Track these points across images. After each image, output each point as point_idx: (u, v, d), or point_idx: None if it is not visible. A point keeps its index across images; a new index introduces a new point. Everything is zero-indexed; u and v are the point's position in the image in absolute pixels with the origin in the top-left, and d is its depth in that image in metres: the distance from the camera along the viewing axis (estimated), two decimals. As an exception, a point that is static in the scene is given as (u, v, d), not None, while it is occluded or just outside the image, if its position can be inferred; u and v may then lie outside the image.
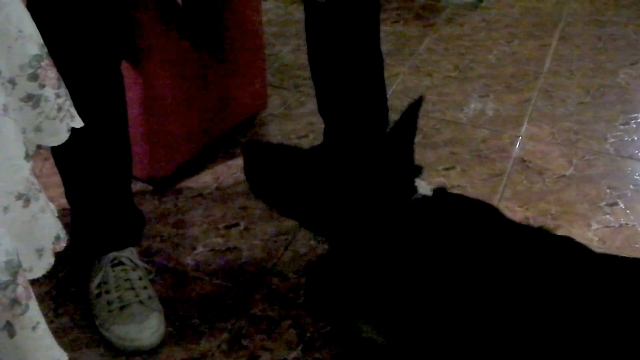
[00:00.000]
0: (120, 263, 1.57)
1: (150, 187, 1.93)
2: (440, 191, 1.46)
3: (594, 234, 1.75)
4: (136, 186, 1.91)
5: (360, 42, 1.70)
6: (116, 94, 1.48)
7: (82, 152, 1.41)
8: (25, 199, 0.88)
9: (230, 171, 1.99)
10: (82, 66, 1.33)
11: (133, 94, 1.74)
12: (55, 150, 1.47)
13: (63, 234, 0.97)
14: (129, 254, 1.60)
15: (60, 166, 1.52)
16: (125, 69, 1.72)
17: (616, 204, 1.85)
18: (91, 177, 1.52)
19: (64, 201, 1.58)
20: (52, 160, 1.55)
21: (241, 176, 1.95)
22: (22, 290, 0.80)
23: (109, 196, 1.56)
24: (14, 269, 0.79)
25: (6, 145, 0.85)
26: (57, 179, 1.55)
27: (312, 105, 2.22)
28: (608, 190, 1.90)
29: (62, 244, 0.96)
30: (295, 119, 2.22)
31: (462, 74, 2.46)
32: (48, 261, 0.94)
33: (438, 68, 2.50)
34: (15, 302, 0.79)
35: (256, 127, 2.18)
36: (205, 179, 1.96)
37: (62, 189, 1.56)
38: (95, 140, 1.43)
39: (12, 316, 0.80)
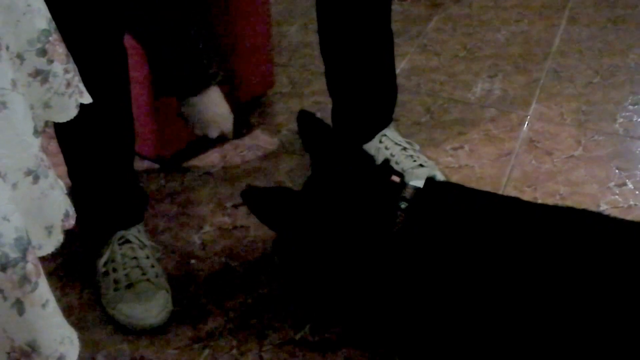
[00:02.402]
0: (127, 241, 1.57)
1: (157, 166, 1.93)
2: (430, 182, 1.44)
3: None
4: (143, 165, 1.90)
5: (371, 20, 1.69)
6: (119, 69, 1.47)
7: (85, 129, 1.40)
8: (35, 176, 0.87)
9: (237, 150, 1.99)
10: (83, 39, 1.32)
11: (140, 72, 1.72)
12: (57, 127, 1.46)
13: (72, 211, 0.96)
14: (136, 232, 1.59)
15: (63, 144, 1.51)
16: (132, 47, 1.71)
17: (625, 184, 1.84)
18: (94, 154, 1.51)
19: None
20: (58, 139, 1.54)
21: (248, 155, 1.95)
22: (32, 267, 0.79)
23: (112, 174, 1.55)
24: (24, 246, 0.78)
25: (15, 122, 0.84)
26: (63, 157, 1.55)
27: (319, 84, 2.21)
28: (617, 171, 1.89)
29: (72, 221, 0.96)
30: (303, 98, 2.21)
31: (470, 53, 2.44)
32: (57, 238, 0.93)
33: (446, 48, 2.48)
34: (24, 279, 0.79)
35: (263, 106, 2.17)
36: (211, 158, 1.95)
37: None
38: (99, 117, 1.42)
39: (22, 294, 0.79)
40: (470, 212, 1.35)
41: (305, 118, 1.55)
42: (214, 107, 1.61)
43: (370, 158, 1.51)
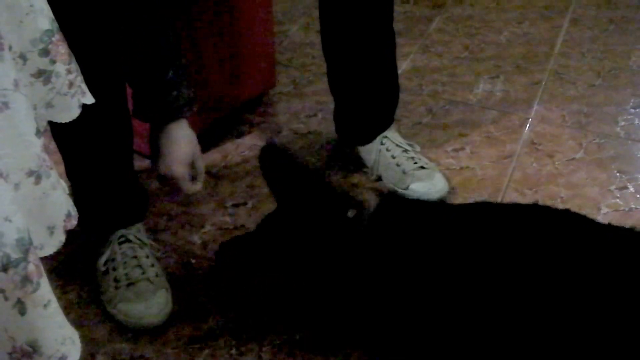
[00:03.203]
0: (128, 240, 1.57)
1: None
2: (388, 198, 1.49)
3: (604, 217, 1.74)
4: (143, 163, 1.90)
5: (373, 20, 1.69)
6: (115, 67, 1.46)
7: (81, 127, 1.39)
8: (37, 176, 0.87)
9: (238, 150, 1.99)
10: (78, 38, 1.31)
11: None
12: (54, 126, 1.46)
13: (74, 211, 0.96)
14: (136, 231, 1.59)
15: (60, 142, 1.50)
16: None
17: (626, 187, 1.84)
18: (92, 153, 1.51)
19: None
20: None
21: (249, 155, 1.95)
22: (33, 268, 0.79)
23: (111, 173, 1.55)
24: (25, 246, 0.78)
25: (17, 122, 0.84)
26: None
27: (320, 84, 2.21)
28: (618, 174, 1.89)
29: (73, 222, 0.96)
30: (304, 98, 2.21)
31: (472, 54, 2.44)
32: (59, 239, 0.93)
33: (448, 48, 2.48)
34: (26, 279, 0.79)
35: (264, 106, 2.17)
36: (213, 157, 1.95)
37: (69, 166, 1.55)
38: (95, 115, 1.41)
39: (24, 294, 0.79)
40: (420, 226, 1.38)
41: (268, 153, 1.53)
42: (171, 145, 1.48)
43: (331, 190, 1.50)
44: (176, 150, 1.47)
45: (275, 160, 1.50)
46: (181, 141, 1.47)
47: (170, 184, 1.50)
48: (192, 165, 1.50)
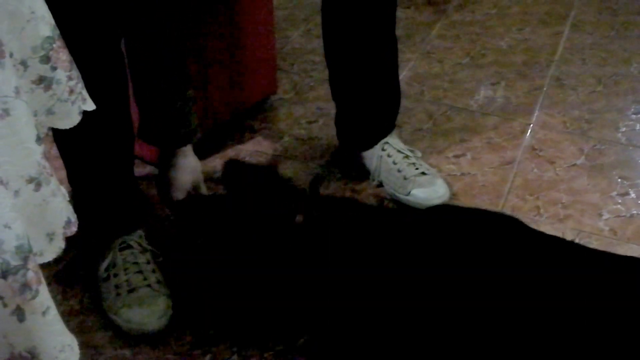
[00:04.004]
0: (129, 246, 1.57)
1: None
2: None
3: (605, 223, 1.74)
4: (144, 170, 1.90)
5: (376, 26, 1.69)
6: (117, 74, 1.47)
7: (83, 134, 1.39)
8: (37, 183, 0.87)
9: (239, 156, 1.99)
10: (81, 44, 1.31)
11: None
12: (56, 132, 1.46)
13: (74, 218, 0.96)
14: (137, 237, 1.59)
15: (62, 149, 1.51)
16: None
17: (627, 193, 1.84)
18: (94, 159, 1.51)
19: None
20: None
21: (250, 161, 1.95)
22: (33, 275, 0.79)
23: (112, 179, 1.55)
24: (25, 253, 0.78)
25: (18, 129, 0.84)
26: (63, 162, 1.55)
27: (322, 90, 2.22)
28: (619, 180, 1.88)
29: (73, 228, 0.96)
30: (305, 104, 2.21)
31: (473, 60, 2.44)
32: (59, 245, 0.93)
33: (449, 54, 2.48)
34: (25, 286, 0.79)
35: (265, 112, 2.17)
36: (213, 163, 1.95)
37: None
38: (98, 122, 1.41)
39: (23, 301, 0.79)
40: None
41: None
42: (174, 172, 1.60)
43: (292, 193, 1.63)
44: (177, 178, 1.59)
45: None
46: (184, 170, 1.59)
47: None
48: (197, 190, 1.63)
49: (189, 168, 1.60)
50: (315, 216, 1.45)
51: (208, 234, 1.59)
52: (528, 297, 1.25)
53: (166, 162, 1.60)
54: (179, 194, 1.60)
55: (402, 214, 1.54)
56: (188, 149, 1.59)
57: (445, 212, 1.52)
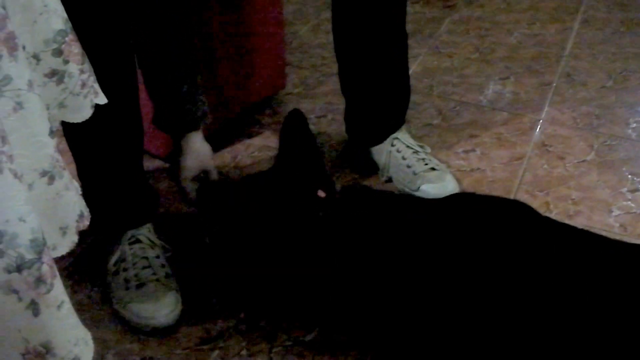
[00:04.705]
0: (138, 241, 1.57)
1: (168, 165, 1.92)
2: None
3: (615, 220, 1.74)
4: (154, 164, 1.90)
5: (386, 21, 1.69)
6: (127, 67, 1.46)
7: (93, 128, 1.39)
8: (50, 176, 0.87)
9: (248, 150, 1.98)
10: (91, 38, 1.31)
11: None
12: (66, 126, 1.46)
13: (86, 211, 0.96)
14: (146, 231, 1.59)
15: (72, 142, 1.50)
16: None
17: (637, 190, 1.83)
18: (103, 153, 1.51)
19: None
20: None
21: (259, 155, 1.95)
22: (47, 268, 0.79)
23: (121, 173, 1.55)
24: (39, 247, 0.78)
25: (31, 122, 0.84)
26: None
27: (331, 84, 2.21)
28: (630, 176, 1.88)
29: (86, 222, 0.96)
30: (314, 99, 2.20)
31: (482, 55, 2.43)
32: (72, 239, 0.93)
33: (458, 50, 2.47)
34: (40, 280, 0.79)
35: (274, 107, 2.17)
36: (223, 158, 1.95)
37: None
38: (107, 116, 1.41)
39: (37, 295, 0.79)
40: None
41: (293, 118, 1.60)
42: (182, 156, 1.61)
43: (316, 168, 1.58)
44: (184, 162, 1.60)
45: (292, 126, 1.58)
46: (191, 155, 1.60)
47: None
48: (206, 175, 1.64)
49: (196, 153, 1.60)
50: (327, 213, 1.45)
51: (222, 225, 1.58)
52: (545, 285, 1.25)
53: (176, 149, 1.61)
54: (187, 180, 1.61)
55: (417, 204, 1.53)
56: (196, 135, 1.59)
57: (459, 202, 1.51)
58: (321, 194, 1.47)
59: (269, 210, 1.47)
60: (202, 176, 1.63)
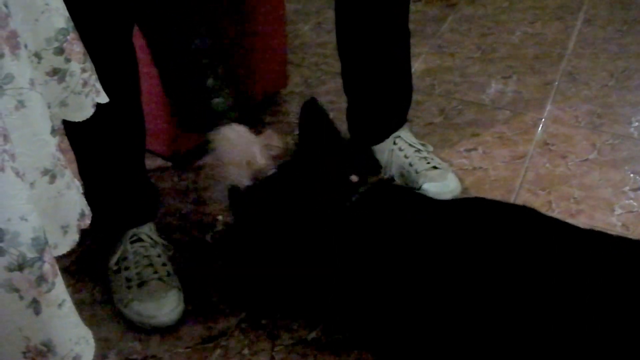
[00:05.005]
0: (140, 239, 1.57)
1: (170, 164, 1.92)
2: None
3: (617, 219, 1.73)
4: (156, 162, 1.90)
5: (389, 19, 1.69)
6: (128, 66, 1.46)
7: (95, 126, 1.39)
8: (51, 175, 0.87)
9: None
10: (92, 37, 1.31)
11: (154, 68, 1.72)
12: (67, 125, 1.46)
13: (88, 210, 0.96)
14: (148, 230, 1.59)
15: (73, 141, 1.50)
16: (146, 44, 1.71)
17: (640, 188, 1.84)
18: (105, 152, 1.51)
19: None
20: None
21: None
22: (49, 267, 0.79)
23: (123, 172, 1.55)
24: (41, 246, 0.78)
25: (33, 120, 0.84)
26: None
27: (332, 83, 2.21)
28: (632, 175, 1.87)
29: (87, 221, 0.96)
30: (316, 97, 2.20)
31: (484, 54, 2.43)
32: (73, 238, 0.93)
33: (460, 48, 2.47)
34: (41, 279, 0.79)
35: (276, 105, 2.17)
36: (225, 156, 1.94)
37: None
38: (109, 115, 1.41)
39: (39, 293, 0.79)
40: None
41: (310, 106, 1.58)
42: (224, 144, 1.47)
43: (353, 156, 1.56)
44: (223, 158, 1.47)
45: (311, 114, 1.56)
46: (229, 147, 1.46)
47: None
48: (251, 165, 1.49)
49: (233, 143, 1.46)
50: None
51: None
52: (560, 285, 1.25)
53: (214, 139, 1.47)
54: (233, 179, 1.47)
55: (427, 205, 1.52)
56: (229, 126, 1.47)
57: (468, 205, 1.51)
58: (354, 178, 1.44)
59: (305, 205, 1.43)
60: (248, 171, 1.49)
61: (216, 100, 1.45)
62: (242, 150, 1.47)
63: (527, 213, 1.41)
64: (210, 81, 1.44)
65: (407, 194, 1.55)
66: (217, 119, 1.46)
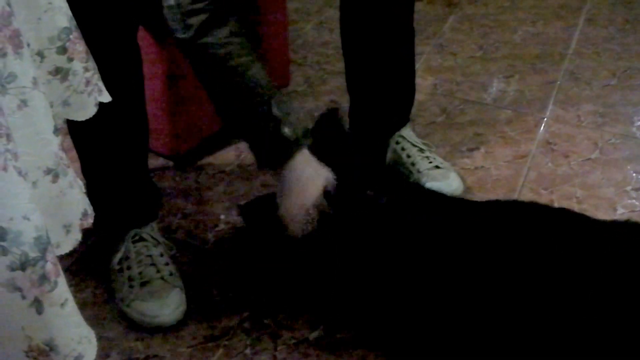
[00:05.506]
0: (142, 239, 1.57)
1: (172, 163, 1.92)
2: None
3: (620, 218, 1.73)
4: (157, 162, 1.90)
5: (394, 18, 1.68)
6: (132, 66, 1.46)
7: (98, 126, 1.39)
8: (54, 174, 0.87)
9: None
10: (96, 36, 1.31)
11: (157, 68, 1.73)
12: (71, 124, 1.46)
13: (90, 210, 0.96)
14: (150, 230, 1.59)
15: (76, 140, 1.50)
16: (150, 44, 1.71)
17: (642, 188, 1.83)
18: (108, 152, 1.51)
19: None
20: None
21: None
22: (51, 266, 0.79)
23: (126, 171, 1.55)
24: (44, 245, 0.78)
25: (36, 119, 0.84)
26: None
27: (334, 82, 2.21)
28: (634, 175, 1.87)
29: (90, 220, 0.96)
30: (318, 97, 2.20)
31: (486, 54, 2.43)
32: (75, 237, 0.93)
33: (462, 48, 2.47)
34: (44, 278, 0.79)
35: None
36: (227, 156, 1.95)
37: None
38: (113, 114, 1.41)
39: (41, 293, 0.79)
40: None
41: (328, 117, 1.57)
42: (296, 181, 1.37)
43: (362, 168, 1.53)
44: (297, 190, 1.39)
45: (328, 125, 1.53)
46: (301, 180, 1.39)
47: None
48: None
49: (311, 177, 1.38)
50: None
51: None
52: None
53: (284, 175, 1.38)
54: (299, 211, 1.37)
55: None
56: (305, 155, 1.38)
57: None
58: (370, 193, 1.43)
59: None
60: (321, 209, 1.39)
61: (285, 129, 1.36)
62: (313, 191, 1.38)
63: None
64: (274, 109, 1.36)
65: (435, 197, 1.56)
66: (291, 147, 1.38)
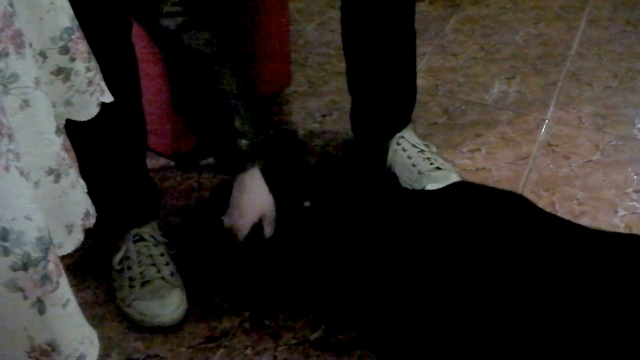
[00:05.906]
0: (142, 239, 1.57)
1: (172, 163, 1.92)
2: None
3: (620, 220, 1.73)
4: (158, 162, 1.90)
5: (396, 19, 1.68)
6: (127, 66, 1.46)
7: (96, 126, 1.38)
8: (56, 174, 0.87)
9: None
10: (90, 36, 1.31)
11: (157, 67, 1.72)
12: (68, 125, 1.45)
13: (92, 210, 0.96)
14: (151, 229, 1.59)
15: (74, 141, 1.50)
16: (149, 44, 1.70)
17: (643, 190, 1.83)
18: (106, 152, 1.50)
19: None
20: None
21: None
22: (53, 267, 0.79)
23: (124, 171, 1.55)
24: (46, 245, 0.78)
25: (38, 119, 0.84)
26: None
27: (335, 83, 2.21)
28: (635, 177, 1.87)
29: (92, 220, 0.96)
30: (319, 97, 2.20)
31: (488, 55, 2.43)
32: (77, 237, 0.93)
33: (464, 49, 2.47)
34: (46, 278, 0.79)
35: (279, 105, 2.17)
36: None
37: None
38: (110, 114, 1.40)
39: (43, 293, 0.79)
40: None
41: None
42: (240, 197, 1.48)
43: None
44: (243, 203, 1.48)
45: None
46: (250, 194, 1.48)
47: (230, 233, 1.51)
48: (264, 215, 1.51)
49: (254, 193, 1.49)
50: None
51: None
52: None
53: (234, 187, 1.49)
54: (243, 222, 1.49)
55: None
56: (255, 172, 1.48)
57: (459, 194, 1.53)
58: (307, 204, 1.49)
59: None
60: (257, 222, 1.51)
61: (243, 141, 1.44)
62: (255, 205, 1.49)
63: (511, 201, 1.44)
64: (237, 123, 1.43)
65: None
66: (244, 161, 1.46)
